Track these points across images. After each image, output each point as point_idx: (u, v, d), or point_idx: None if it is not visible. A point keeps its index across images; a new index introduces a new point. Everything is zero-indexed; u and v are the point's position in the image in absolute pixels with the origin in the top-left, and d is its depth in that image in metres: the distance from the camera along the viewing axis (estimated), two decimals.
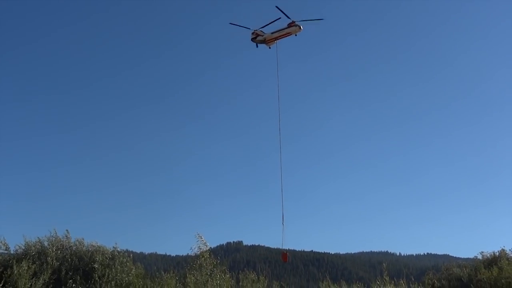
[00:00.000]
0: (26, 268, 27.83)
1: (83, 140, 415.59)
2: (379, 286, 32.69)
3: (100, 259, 30.06)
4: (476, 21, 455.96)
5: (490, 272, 43.96)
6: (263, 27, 36.64)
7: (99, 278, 29.18)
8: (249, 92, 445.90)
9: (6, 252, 30.66)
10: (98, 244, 31.77)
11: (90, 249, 31.43)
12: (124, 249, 32.16)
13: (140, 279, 30.31)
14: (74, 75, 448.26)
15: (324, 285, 32.27)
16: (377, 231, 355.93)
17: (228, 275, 30.51)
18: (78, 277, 29.29)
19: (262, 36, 36.96)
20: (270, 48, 37.46)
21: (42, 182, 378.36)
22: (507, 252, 51.80)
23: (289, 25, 36.44)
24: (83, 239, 32.40)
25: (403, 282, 33.74)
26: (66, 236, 31.88)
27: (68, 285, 28.91)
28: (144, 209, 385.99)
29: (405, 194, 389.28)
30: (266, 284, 31.54)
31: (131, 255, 32.01)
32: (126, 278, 29.97)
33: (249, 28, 36.64)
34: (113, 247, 31.60)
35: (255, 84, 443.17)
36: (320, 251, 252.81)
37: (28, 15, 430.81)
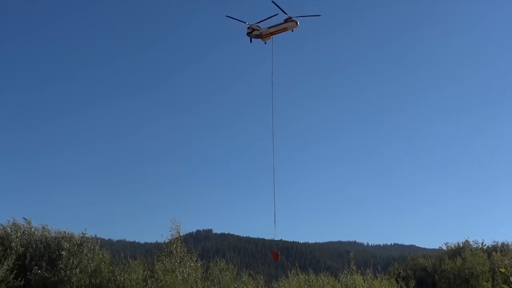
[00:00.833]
0: None
1: (57, 129, 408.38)
2: (347, 275, 33.11)
3: (68, 246, 29.72)
4: (454, 19, 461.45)
5: (454, 262, 44.94)
6: (258, 22, 36.43)
7: (64, 265, 28.85)
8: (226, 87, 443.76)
9: None
10: (66, 231, 31.40)
11: (58, 235, 31.03)
12: (93, 236, 31.82)
13: (107, 266, 30.07)
14: (53, 65, 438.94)
15: (292, 273, 32.53)
16: (346, 222, 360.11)
17: (198, 263, 30.51)
18: (44, 264, 28.94)
19: (258, 30, 36.75)
20: (265, 43, 37.26)
21: (13, 171, 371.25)
22: (470, 243, 53.00)
23: (286, 21, 36.31)
24: (49, 225, 31.95)
25: (370, 272, 34.25)
26: (28, 223, 31.31)
27: (33, 271, 28.55)
28: (113, 195, 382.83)
29: (374, 186, 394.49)
30: (235, 273, 31.64)
31: (99, 242, 31.72)
32: (93, 265, 29.72)
33: (245, 22, 36.46)
34: (82, 233, 31.30)
35: (238, 79, 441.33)
36: (289, 240, 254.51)
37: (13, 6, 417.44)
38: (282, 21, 36.07)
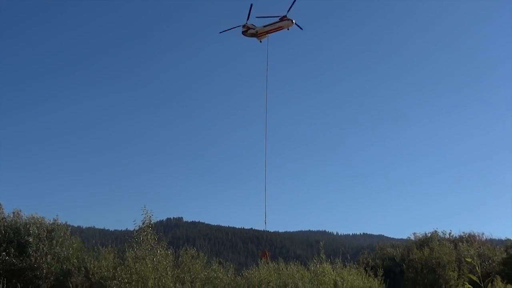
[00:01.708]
0: None
1: (19, 99, 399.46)
2: (316, 264, 33.46)
3: (36, 232, 29.34)
4: (438, 21, 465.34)
5: (421, 252, 45.80)
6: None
7: (34, 252, 28.53)
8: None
9: None
10: (37, 216, 30.99)
11: (28, 221, 30.60)
12: (64, 223, 31.55)
13: (77, 253, 29.85)
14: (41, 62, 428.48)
15: (262, 262, 32.73)
16: (316, 211, 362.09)
17: (168, 251, 30.46)
18: (12, 250, 28.55)
19: (254, 29, 36.59)
20: (261, 42, 37.18)
21: None
22: (438, 233, 54.14)
23: (281, 19, 36.19)
24: (20, 211, 31.48)
25: (339, 261, 34.69)
26: None
27: (1, 257, 28.15)
28: (82, 182, 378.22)
29: (343, 176, 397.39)
30: (205, 261, 31.71)
31: (70, 229, 31.45)
32: (64, 252, 29.46)
33: (240, 26, 36.44)
34: (54, 220, 30.97)
35: (225, 75, 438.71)
36: (260, 229, 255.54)
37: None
38: (277, 19, 36.14)
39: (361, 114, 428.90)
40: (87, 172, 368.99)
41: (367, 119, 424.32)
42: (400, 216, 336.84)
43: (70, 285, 26.26)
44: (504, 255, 53.14)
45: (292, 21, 35.64)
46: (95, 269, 27.84)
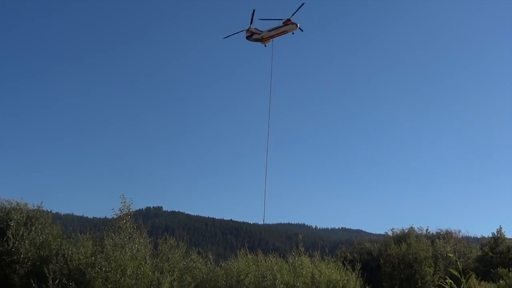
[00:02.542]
0: None
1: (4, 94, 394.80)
2: (294, 257, 33.58)
3: (17, 217, 29.07)
4: (426, 24, 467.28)
5: (399, 247, 46.30)
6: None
7: (13, 236, 28.26)
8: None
9: None
10: (17, 201, 30.73)
11: (8, 206, 30.29)
12: (48, 210, 31.44)
13: (56, 239, 29.61)
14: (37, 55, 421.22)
15: (241, 253, 32.77)
16: (295, 205, 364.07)
17: (147, 240, 30.35)
18: None
19: (259, 34, 36.43)
20: (265, 46, 37.06)
21: None
22: (415, 229, 54.78)
23: (285, 23, 36.05)
24: (2, 196, 31.27)
25: (318, 254, 34.84)
26: None
27: None
28: (61, 168, 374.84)
29: (324, 170, 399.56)
30: (184, 250, 31.65)
31: (50, 215, 31.24)
32: (42, 237, 29.22)
33: (243, 30, 36.27)
34: (38, 206, 30.79)
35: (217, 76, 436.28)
36: (239, 221, 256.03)
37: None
38: (281, 23, 36.05)
39: (348, 113, 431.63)
40: (69, 162, 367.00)
41: (352, 118, 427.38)
42: (378, 212, 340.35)
43: (47, 271, 26.00)
44: (479, 253, 53.99)
45: (296, 25, 35.71)
46: (73, 255, 27.64)
